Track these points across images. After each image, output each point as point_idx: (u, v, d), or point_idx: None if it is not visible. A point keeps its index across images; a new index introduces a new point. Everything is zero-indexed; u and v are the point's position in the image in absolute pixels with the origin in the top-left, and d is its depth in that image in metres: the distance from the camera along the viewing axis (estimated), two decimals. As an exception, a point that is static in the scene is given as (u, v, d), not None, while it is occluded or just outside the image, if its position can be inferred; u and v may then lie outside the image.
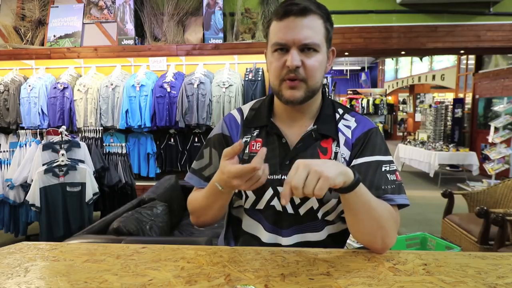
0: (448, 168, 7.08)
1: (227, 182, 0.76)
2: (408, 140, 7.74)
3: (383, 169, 0.86)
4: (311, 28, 0.82)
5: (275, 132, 0.91)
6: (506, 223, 2.19)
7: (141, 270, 0.72)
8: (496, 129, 5.43)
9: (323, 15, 0.85)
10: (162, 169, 4.17)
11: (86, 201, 2.86)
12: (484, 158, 6.03)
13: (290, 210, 0.88)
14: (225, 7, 4.14)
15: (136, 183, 3.57)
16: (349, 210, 0.80)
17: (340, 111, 0.95)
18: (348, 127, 0.92)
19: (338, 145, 0.89)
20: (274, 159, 0.88)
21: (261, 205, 0.90)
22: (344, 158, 0.88)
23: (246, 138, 0.94)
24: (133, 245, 0.87)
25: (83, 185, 2.85)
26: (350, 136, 0.90)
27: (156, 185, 2.79)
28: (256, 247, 0.84)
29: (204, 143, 1.01)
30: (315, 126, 0.90)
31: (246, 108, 1.01)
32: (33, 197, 2.72)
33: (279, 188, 0.87)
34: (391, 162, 0.88)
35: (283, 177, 0.87)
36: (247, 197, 0.91)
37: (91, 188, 2.88)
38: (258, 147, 0.91)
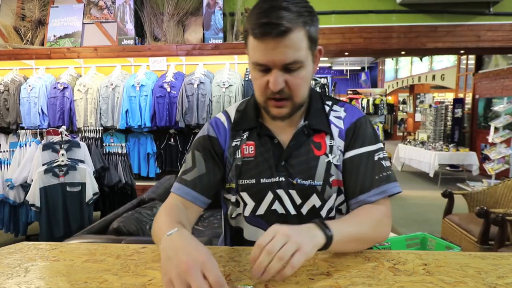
0: (448, 168, 7.07)
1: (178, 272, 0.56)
2: (408, 140, 7.72)
3: (376, 158, 0.86)
4: (292, 47, 0.74)
5: (265, 133, 0.89)
6: (506, 223, 2.19)
7: (141, 270, 0.72)
8: (496, 129, 5.42)
9: (305, 22, 0.75)
10: (162, 169, 4.17)
11: (86, 201, 2.86)
12: (484, 158, 6.03)
13: (292, 211, 0.86)
14: (225, 7, 4.13)
15: (136, 183, 3.58)
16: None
17: (329, 102, 0.94)
18: (339, 117, 0.91)
19: (332, 138, 0.88)
20: (269, 162, 0.87)
21: (261, 211, 0.87)
22: (340, 150, 0.88)
23: (236, 141, 0.91)
24: (133, 245, 0.86)
25: (83, 185, 2.85)
26: (342, 127, 0.89)
27: (156, 185, 2.79)
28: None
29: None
30: (306, 122, 0.89)
31: (232, 110, 0.96)
32: (33, 197, 2.71)
33: (278, 191, 0.86)
34: (382, 149, 0.88)
35: (281, 179, 0.86)
36: (245, 204, 0.89)
37: (91, 188, 2.88)
38: (252, 151, 0.89)
